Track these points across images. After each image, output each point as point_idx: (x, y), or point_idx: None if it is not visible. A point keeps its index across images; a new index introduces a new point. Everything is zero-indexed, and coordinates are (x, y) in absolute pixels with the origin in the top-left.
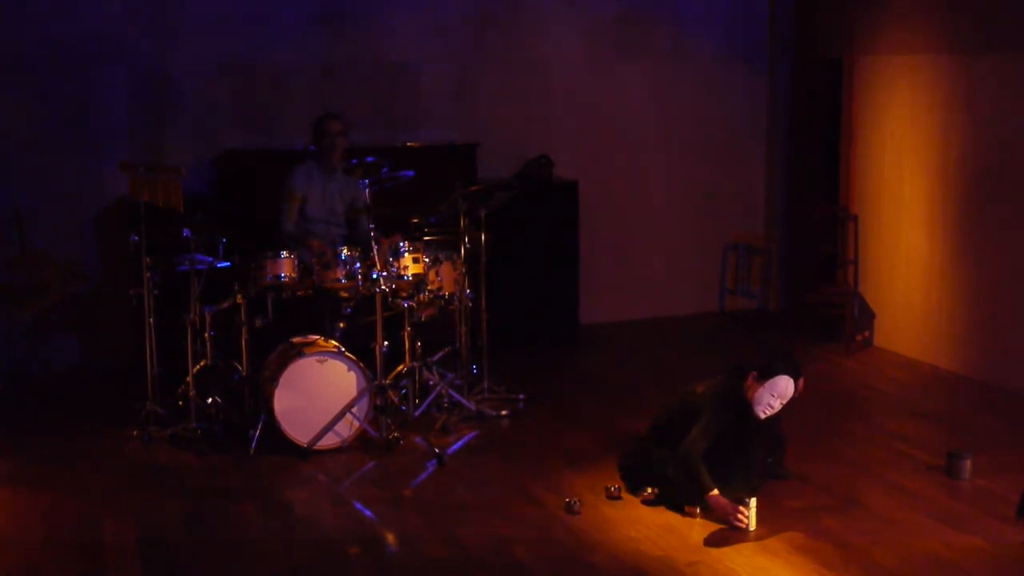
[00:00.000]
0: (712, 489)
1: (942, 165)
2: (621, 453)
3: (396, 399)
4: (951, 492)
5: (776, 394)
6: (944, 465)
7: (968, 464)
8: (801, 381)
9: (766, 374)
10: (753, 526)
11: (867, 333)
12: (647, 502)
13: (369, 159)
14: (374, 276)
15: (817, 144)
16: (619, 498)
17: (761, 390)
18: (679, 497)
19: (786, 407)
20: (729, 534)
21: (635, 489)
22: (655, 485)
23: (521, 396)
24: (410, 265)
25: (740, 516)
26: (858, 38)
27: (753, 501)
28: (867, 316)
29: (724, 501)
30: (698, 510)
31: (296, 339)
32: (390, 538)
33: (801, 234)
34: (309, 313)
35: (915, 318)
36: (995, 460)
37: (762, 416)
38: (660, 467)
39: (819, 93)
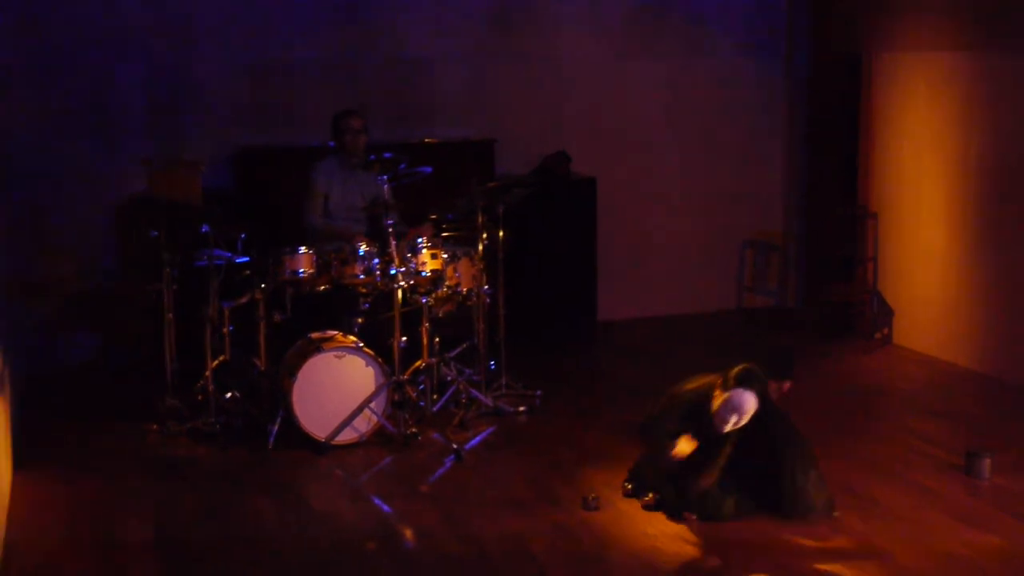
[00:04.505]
0: None
1: (961, 163)
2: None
3: (414, 395)
4: (970, 491)
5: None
6: (963, 464)
7: (987, 463)
8: (787, 384)
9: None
10: None
11: (886, 331)
12: (648, 507)
13: (387, 155)
14: (392, 272)
15: (835, 141)
16: (635, 495)
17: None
18: (679, 504)
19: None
20: (747, 532)
21: (637, 493)
22: (656, 491)
23: (538, 392)
24: (428, 261)
25: None
26: (876, 34)
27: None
28: (886, 314)
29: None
30: (695, 517)
31: (314, 334)
32: (407, 533)
33: (819, 231)
34: (327, 309)
35: (934, 316)
36: (1014, 459)
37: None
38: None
39: (837, 90)
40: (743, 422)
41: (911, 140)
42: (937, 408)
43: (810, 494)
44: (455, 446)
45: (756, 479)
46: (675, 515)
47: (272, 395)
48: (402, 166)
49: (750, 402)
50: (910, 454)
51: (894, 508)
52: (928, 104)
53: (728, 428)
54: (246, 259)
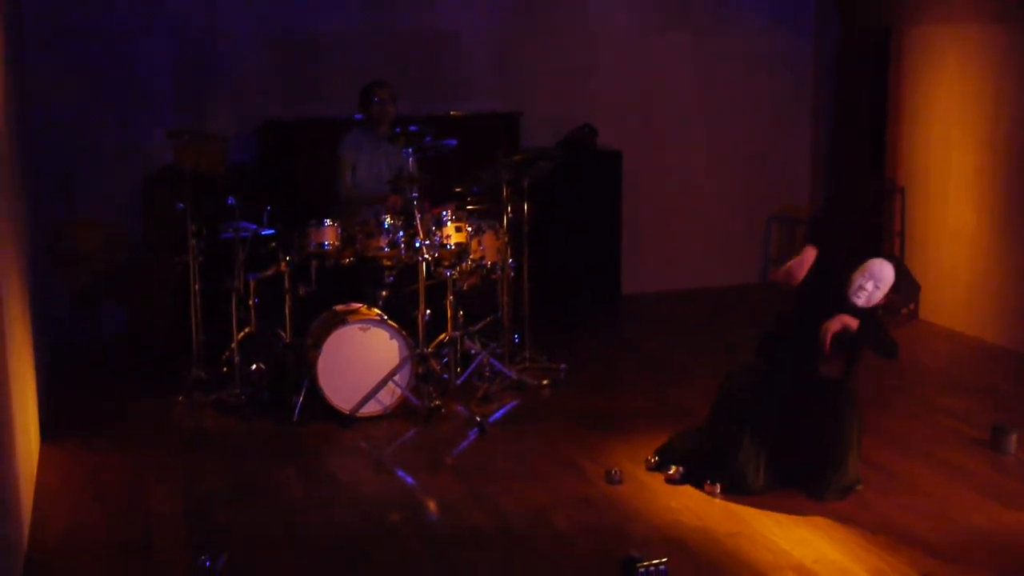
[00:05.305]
0: None
1: (990, 137)
2: (671, 435)
3: (438, 367)
4: (996, 466)
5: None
6: (989, 439)
7: (1013, 438)
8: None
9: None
10: None
11: (912, 306)
12: (671, 480)
13: (412, 128)
14: (417, 245)
15: (863, 115)
16: (659, 469)
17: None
18: (701, 475)
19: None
20: (770, 506)
21: (660, 466)
22: (680, 464)
23: (562, 365)
24: (453, 234)
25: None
26: (905, 7)
27: None
28: (912, 289)
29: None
30: (718, 488)
31: (339, 307)
32: (431, 505)
33: (846, 206)
34: (352, 281)
35: (961, 291)
36: None
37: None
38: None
39: (865, 63)
40: (878, 295)
41: (939, 114)
42: (963, 383)
43: (849, 474)
44: (479, 419)
45: (787, 450)
46: (699, 488)
47: (297, 367)
48: (427, 139)
49: (888, 271)
50: (936, 429)
51: (919, 483)
52: (957, 77)
53: (863, 300)
54: (272, 231)
